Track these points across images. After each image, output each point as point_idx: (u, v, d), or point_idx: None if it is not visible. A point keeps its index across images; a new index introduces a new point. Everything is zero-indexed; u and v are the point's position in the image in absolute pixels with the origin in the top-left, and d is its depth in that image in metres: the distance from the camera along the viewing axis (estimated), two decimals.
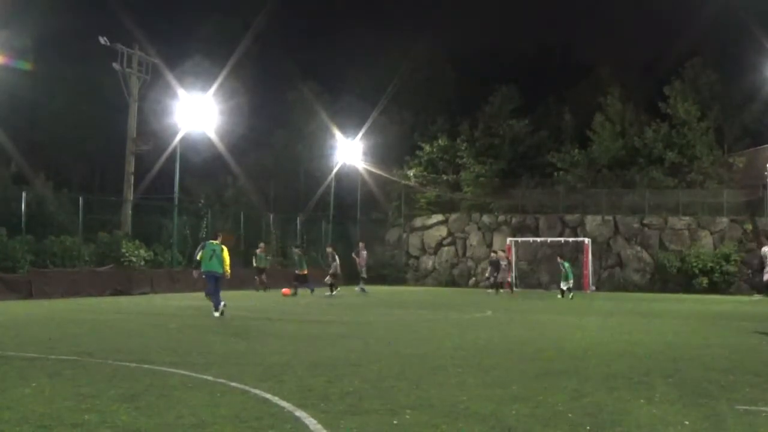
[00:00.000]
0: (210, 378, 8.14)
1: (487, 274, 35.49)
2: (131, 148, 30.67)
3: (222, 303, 17.00)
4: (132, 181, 30.71)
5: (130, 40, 30.89)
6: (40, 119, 40.14)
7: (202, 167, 40.13)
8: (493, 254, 35.35)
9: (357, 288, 30.39)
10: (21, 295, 22.54)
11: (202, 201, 36.97)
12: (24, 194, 25.54)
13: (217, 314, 16.75)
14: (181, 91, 32.03)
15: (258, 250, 29.93)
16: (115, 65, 29.93)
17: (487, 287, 33.84)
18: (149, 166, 32.93)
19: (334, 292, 27.74)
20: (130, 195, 30.48)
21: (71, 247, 25.68)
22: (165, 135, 32.68)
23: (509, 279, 31.24)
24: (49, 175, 30.37)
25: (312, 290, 27.76)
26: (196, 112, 31.75)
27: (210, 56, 40.19)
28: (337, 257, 29.04)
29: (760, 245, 34.55)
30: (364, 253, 31.24)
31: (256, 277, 29.43)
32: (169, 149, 31.85)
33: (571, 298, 27.56)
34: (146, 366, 9.02)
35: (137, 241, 28.41)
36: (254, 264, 29.95)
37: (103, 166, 36.89)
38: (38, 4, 37.86)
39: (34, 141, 39.46)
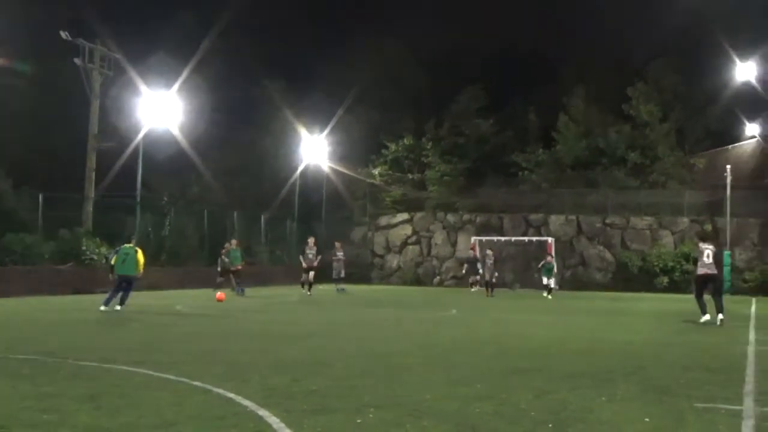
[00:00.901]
0: (173, 377, 8.11)
1: (463, 272, 35.74)
2: (93, 144, 30.33)
3: (112, 303, 17.57)
4: (93, 178, 30.37)
5: (92, 34, 30.56)
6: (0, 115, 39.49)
7: (166, 164, 39.74)
8: (470, 251, 35.60)
9: (336, 288, 30.30)
10: None
11: (166, 198, 36.66)
12: None
13: (103, 308, 17.27)
14: (144, 88, 31.77)
15: (223, 251, 28.70)
16: (77, 60, 29.61)
17: (471, 285, 34.06)
18: (111, 163, 32.54)
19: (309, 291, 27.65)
20: (91, 192, 30.14)
21: (31, 244, 25.33)
22: (128, 132, 32.39)
23: (487, 276, 30.90)
24: (8, 171, 29.80)
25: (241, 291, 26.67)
26: (160, 109, 31.59)
27: (173, 52, 39.75)
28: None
29: (718, 245, 35.19)
30: (341, 253, 31.15)
31: (219, 278, 28.31)
32: (132, 146, 31.54)
33: (549, 297, 28.10)
34: (108, 365, 8.94)
35: (98, 239, 28.12)
36: (219, 266, 28.73)
37: (65, 163, 36.33)
38: None
39: None
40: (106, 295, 17.95)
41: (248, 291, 27.15)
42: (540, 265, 30.73)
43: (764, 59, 34.07)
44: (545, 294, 28.48)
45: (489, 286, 30.21)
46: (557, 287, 29.29)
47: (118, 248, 18.64)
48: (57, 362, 9.21)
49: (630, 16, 59.69)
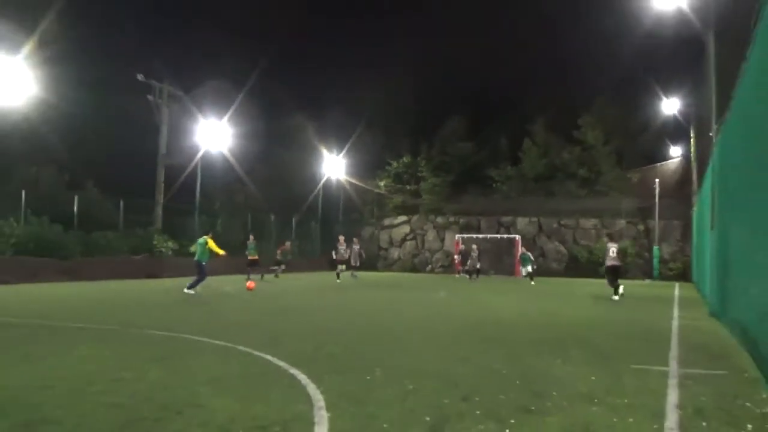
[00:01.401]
0: (222, 343, 8.11)
1: (456, 262, 35.73)
2: (162, 162, 30.47)
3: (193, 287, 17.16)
4: (162, 188, 30.51)
5: (161, 76, 30.77)
6: (90, 139, 39.70)
7: (218, 177, 39.92)
8: (462, 246, 35.59)
9: (351, 275, 29.66)
10: (71, 278, 22.28)
11: (217, 204, 36.74)
12: (76, 197, 25.30)
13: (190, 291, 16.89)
14: (201, 117, 32.26)
15: (279, 249, 28.25)
16: (149, 97, 29.82)
17: (459, 273, 34.04)
18: (176, 176, 32.78)
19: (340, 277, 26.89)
20: (160, 199, 30.26)
21: (113, 239, 25.42)
22: (189, 151, 32.65)
23: (471, 266, 30.52)
24: (95, 182, 29.90)
25: (261, 276, 25.75)
26: (214, 133, 32.04)
27: (226, 89, 39.98)
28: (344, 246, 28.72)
29: (651, 243, 35.14)
30: (357, 246, 30.59)
31: (277, 268, 27.61)
32: (192, 163, 31.84)
33: (532, 283, 26.46)
34: (172, 334, 8.96)
35: (166, 235, 28.20)
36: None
37: (140, 175, 36.42)
38: (92, 47, 37.66)
39: (84, 155, 39.00)
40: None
41: (282, 277, 27.19)
42: (518, 258, 30.50)
43: (684, 96, 34.03)
44: (532, 282, 26.61)
45: (474, 273, 30.17)
46: (528, 275, 28.36)
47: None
48: (133, 332, 9.23)
49: (580, 61, 59.76)
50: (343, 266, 27.72)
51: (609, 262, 18.24)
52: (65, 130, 34.57)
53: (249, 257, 25.30)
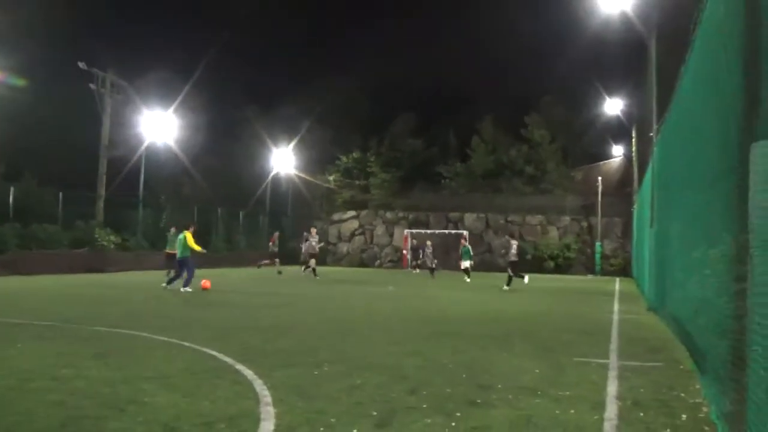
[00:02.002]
0: (167, 339, 7.97)
1: (409, 257, 35.94)
2: (104, 153, 29.62)
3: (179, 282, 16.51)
4: (104, 180, 29.66)
5: (104, 65, 29.91)
6: (28, 127, 38.28)
7: (164, 169, 39.09)
8: (414, 241, 35.74)
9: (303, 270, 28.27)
10: (8, 272, 21.45)
11: (163, 197, 35.96)
12: (12, 189, 24.39)
13: (183, 289, 16.12)
14: (145, 108, 31.56)
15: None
16: (92, 86, 28.92)
17: (413, 268, 34.14)
18: (119, 167, 31.94)
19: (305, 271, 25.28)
20: (102, 191, 29.42)
21: (52, 233, 24.59)
22: (132, 142, 31.83)
23: (428, 263, 29.74)
24: (33, 173, 28.84)
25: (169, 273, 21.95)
26: (159, 124, 31.38)
27: (171, 79, 39.11)
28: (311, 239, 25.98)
29: (593, 239, 36.06)
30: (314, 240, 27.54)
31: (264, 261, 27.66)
32: (136, 155, 31.08)
33: (467, 280, 25.22)
34: (115, 330, 8.75)
35: (108, 229, 27.47)
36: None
37: (81, 166, 35.32)
38: (32, 34, 36.30)
39: (22, 145, 37.61)
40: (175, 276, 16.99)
41: (229, 272, 26.85)
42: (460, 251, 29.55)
43: (627, 97, 35.00)
44: (467, 279, 25.09)
45: (431, 269, 28.98)
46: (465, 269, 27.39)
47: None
48: (73, 327, 8.97)
49: (527, 62, 60.77)
50: (314, 260, 25.32)
51: (512, 258, 21.27)
52: (1, 118, 33.29)
53: (167, 251, 21.50)
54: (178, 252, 16.84)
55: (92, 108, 29.75)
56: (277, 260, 28.07)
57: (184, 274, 16.53)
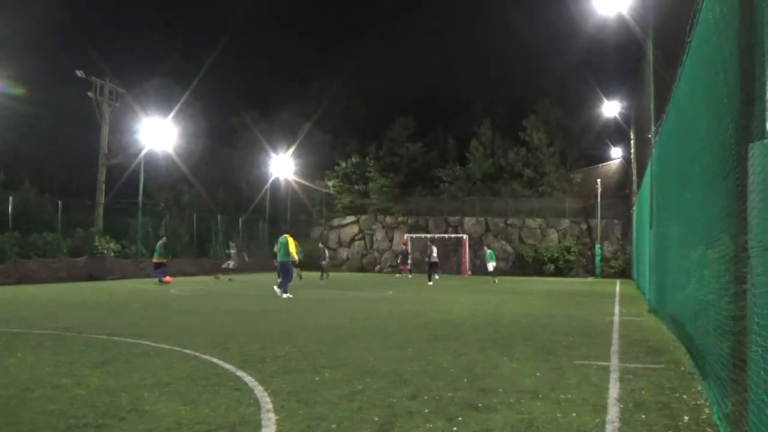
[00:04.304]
0: (168, 347, 7.95)
1: (398, 262, 36.04)
2: (103, 161, 29.62)
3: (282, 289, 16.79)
4: (103, 188, 29.70)
5: (102, 73, 29.94)
6: (26, 136, 38.33)
7: (163, 176, 39.12)
8: (404, 246, 35.84)
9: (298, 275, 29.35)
10: (9, 281, 21.43)
11: (162, 204, 35.96)
12: (11, 198, 24.36)
13: (284, 294, 16.53)
14: (145, 115, 31.48)
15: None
16: (90, 94, 28.95)
17: (402, 273, 34.24)
18: (118, 175, 31.96)
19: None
20: (101, 199, 29.44)
21: (51, 241, 24.54)
22: (132, 150, 31.83)
23: (433, 267, 29.65)
24: (32, 182, 28.85)
25: (160, 280, 23.06)
26: (158, 132, 31.27)
27: (170, 87, 39.21)
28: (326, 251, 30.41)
29: (593, 241, 36.06)
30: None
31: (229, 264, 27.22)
32: (135, 162, 31.05)
33: (495, 282, 27.12)
34: (115, 338, 8.72)
35: (108, 237, 27.44)
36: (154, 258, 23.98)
37: (80, 175, 35.38)
38: (30, 43, 36.39)
39: (20, 154, 37.66)
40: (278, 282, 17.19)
41: (234, 277, 26.92)
42: (484, 255, 30.94)
43: (625, 99, 35.04)
44: (495, 281, 27.63)
45: (432, 273, 28.22)
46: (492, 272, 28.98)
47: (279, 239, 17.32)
48: (73, 336, 8.95)
49: (524, 65, 60.89)
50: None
51: (433, 260, 27.56)
52: (1, 127, 33.34)
53: (154, 260, 23.77)
54: (280, 256, 16.99)
55: (91, 116, 29.80)
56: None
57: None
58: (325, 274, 29.26)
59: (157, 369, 6.50)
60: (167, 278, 22.81)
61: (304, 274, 29.41)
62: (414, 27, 66.81)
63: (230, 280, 26.24)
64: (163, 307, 13.94)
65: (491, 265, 28.76)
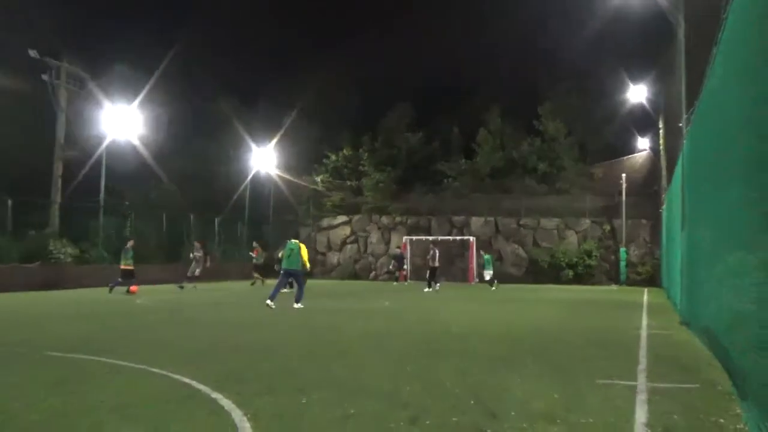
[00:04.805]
0: (133, 364, 7.93)
1: (391, 267, 36.17)
2: (59, 153, 29.55)
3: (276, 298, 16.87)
4: (60, 185, 29.62)
5: (59, 54, 29.80)
6: None
7: (128, 172, 38.97)
8: (398, 249, 35.95)
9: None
10: None
11: (127, 203, 35.88)
12: None
13: (296, 305, 16.75)
14: (107, 102, 31.24)
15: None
16: (44, 77, 28.88)
17: (398, 281, 34.32)
18: (77, 170, 31.79)
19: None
20: (57, 197, 29.35)
21: (1, 245, 24.49)
22: (92, 141, 31.67)
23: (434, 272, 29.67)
24: None
25: (128, 290, 22.68)
26: (122, 121, 31.10)
27: (135, 70, 39.05)
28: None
29: (617, 244, 36.10)
30: (198, 253, 28.16)
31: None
32: (96, 155, 30.90)
33: (494, 289, 28.50)
34: (72, 355, 8.70)
35: (65, 240, 27.37)
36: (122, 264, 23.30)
37: (33, 170, 35.21)
38: None
39: None
40: (271, 290, 17.16)
41: (206, 285, 26.83)
42: (479, 260, 31.50)
43: (653, 83, 35.06)
44: (493, 288, 29.01)
45: (433, 280, 28.06)
46: (489, 279, 29.75)
47: (284, 243, 17.53)
48: (24, 353, 8.91)
49: (539, 45, 60.93)
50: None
51: (435, 264, 27.45)
52: None
53: (122, 266, 23.01)
54: (286, 263, 17.02)
55: (46, 102, 29.68)
56: (255, 274, 28.96)
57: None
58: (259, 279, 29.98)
59: (120, 389, 6.48)
60: (133, 287, 22.68)
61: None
62: (414, 3, 66.77)
63: (194, 287, 26.43)
64: (128, 319, 13.90)
65: (488, 274, 29.97)
